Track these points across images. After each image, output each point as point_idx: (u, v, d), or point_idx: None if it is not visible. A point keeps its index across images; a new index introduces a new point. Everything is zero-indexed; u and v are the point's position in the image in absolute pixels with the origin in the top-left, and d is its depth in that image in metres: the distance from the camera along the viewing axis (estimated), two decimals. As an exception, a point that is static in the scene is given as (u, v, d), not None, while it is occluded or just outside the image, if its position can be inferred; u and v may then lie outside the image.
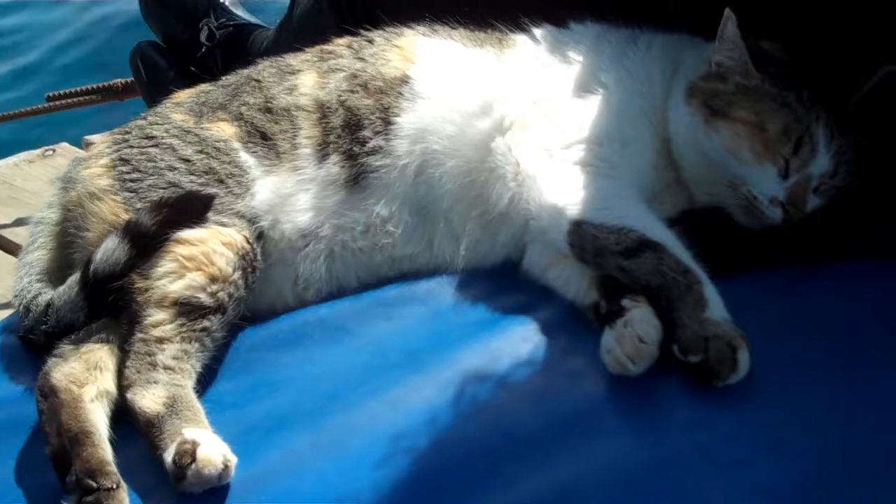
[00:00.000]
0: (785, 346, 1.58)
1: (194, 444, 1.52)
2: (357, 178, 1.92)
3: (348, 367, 1.74)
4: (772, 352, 1.54)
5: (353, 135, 1.93)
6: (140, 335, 1.71)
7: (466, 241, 1.90)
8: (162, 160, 1.89)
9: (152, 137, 1.93)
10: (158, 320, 1.72)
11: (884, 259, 1.70)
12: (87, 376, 1.67)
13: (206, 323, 1.74)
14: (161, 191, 1.85)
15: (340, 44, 2.09)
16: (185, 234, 1.78)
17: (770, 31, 1.87)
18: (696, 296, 1.59)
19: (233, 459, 1.53)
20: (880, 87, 1.76)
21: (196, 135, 1.93)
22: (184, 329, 1.72)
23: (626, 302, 1.63)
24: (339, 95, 1.96)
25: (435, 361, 1.69)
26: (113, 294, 1.74)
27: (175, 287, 1.74)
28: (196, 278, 1.75)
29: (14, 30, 6.77)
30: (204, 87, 2.10)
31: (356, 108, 1.94)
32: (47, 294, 1.84)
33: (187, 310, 1.74)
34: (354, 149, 1.92)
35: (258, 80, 2.03)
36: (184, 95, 2.08)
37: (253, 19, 3.26)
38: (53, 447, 1.59)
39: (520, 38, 2.04)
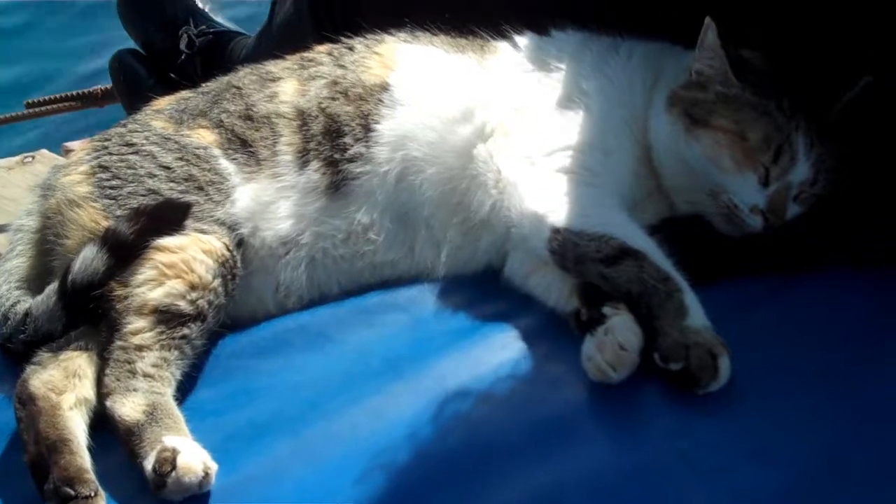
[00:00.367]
0: (766, 354, 1.58)
1: (174, 452, 1.51)
2: (338, 186, 1.92)
3: (329, 375, 1.73)
4: (753, 359, 1.54)
5: (333, 142, 1.93)
6: (119, 343, 1.70)
7: (447, 248, 1.91)
8: (142, 167, 1.88)
9: (132, 144, 1.92)
10: (138, 328, 1.71)
11: (864, 267, 1.71)
12: (65, 384, 1.66)
13: (185, 331, 1.73)
14: (141, 198, 1.84)
15: (321, 51, 2.09)
16: (165, 241, 1.77)
17: (750, 40, 1.87)
18: (677, 303, 1.59)
19: (213, 467, 1.52)
20: (860, 96, 1.77)
21: (176, 142, 1.92)
22: (163, 337, 1.71)
23: (606, 309, 1.63)
24: (320, 102, 1.96)
25: (416, 369, 1.69)
26: (92, 303, 1.73)
27: (155, 295, 1.73)
28: (176, 286, 1.74)
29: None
30: (184, 94, 2.09)
31: (337, 115, 1.94)
32: (26, 302, 1.82)
33: (167, 317, 1.73)
34: (335, 156, 1.92)
35: (239, 88, 2.03)
36: (164, 102, 2.06)
37: (233, 27, 3.26)
38: (31, 455, 1.58)
39: (501, 45, 2.04)
